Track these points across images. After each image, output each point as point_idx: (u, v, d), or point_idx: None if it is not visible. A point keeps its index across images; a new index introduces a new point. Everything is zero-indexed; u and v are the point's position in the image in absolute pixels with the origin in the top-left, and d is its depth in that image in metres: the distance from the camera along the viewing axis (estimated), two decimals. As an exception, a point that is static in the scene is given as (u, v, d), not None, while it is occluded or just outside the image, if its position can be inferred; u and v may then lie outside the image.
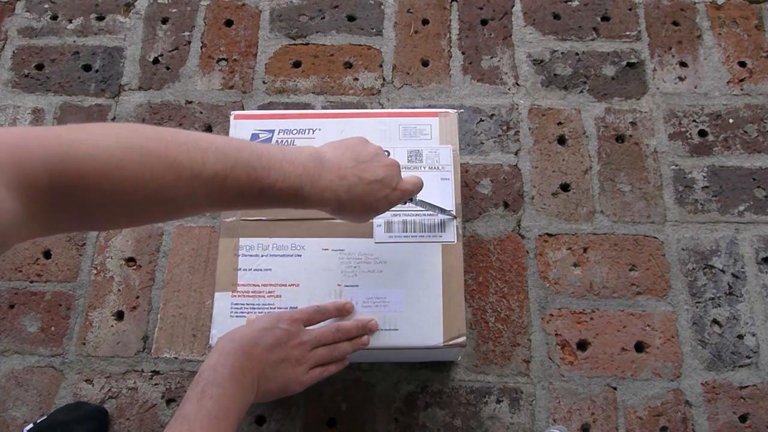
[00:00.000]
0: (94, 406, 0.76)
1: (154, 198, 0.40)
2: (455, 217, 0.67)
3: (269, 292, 0.65)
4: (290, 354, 0.56)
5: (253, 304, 0.65)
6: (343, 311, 0.64)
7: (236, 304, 0.65)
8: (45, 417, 0.73)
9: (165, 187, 0.40)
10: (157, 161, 0.39)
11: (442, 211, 0.66)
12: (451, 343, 0.63)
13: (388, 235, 0.67)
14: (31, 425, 0.72)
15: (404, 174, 0.59)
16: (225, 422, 0.48)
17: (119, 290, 0.83)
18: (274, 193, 0.47)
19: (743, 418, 0.75)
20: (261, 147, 0.47)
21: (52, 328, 0.81)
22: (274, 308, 0.64)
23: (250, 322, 0.58)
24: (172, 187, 0.40)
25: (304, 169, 0.49)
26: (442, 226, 0.67)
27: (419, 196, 0.62)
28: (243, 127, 0.72)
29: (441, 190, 0.69)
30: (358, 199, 0.52)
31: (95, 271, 0.84)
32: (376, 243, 0.67)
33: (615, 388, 0.77)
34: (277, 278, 0.66)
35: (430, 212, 0.67)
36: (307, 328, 0.60)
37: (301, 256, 0.66)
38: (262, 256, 0.67)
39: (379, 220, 0.67)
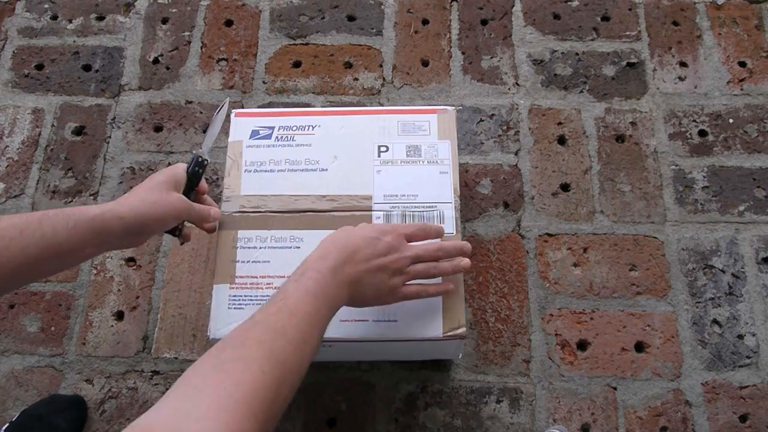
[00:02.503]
0: (69, 396, 0.76)
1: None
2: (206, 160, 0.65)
3: (267, 284, 0.65)
4: (389, 265, 0.57)
5: (251, 296, 0.65)
6: (442, 233, 0.64)
7: (234, 296, 0.65)
8: (18, 415, 0.73)
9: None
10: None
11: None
12: (450, 334, 0.63)
13: None
14: (6, 425, 0.71)
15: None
16: (320, 301, 0.50)
17: (119, 290, 0.83)
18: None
19: (743, 418, 0.75)
20: None
21: (52, 328, 0.81)
22: None
23: (356, 228, 0.59)
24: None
25: None
26: (441, 218, 0.67)
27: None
28: (243, 124, 0.72)
29: (440, 184, 0.69)
30: None
31: (95, 271, 0.84)
32: None
33: (615, 388, 0.77)
34: (275, 270, 0.66)
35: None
36: (409, 243, 0.60)
37: (299, 248, 0.66)
38: (260, 248, 0.67)
39: (377, 213, 0.67)
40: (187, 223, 0.63)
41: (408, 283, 0.59)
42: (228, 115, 0.69)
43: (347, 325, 0.63)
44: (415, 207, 0.68)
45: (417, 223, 0.65)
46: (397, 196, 0.69)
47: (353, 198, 0.68)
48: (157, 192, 0.57)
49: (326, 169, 0.70)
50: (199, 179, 0.63)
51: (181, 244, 0.66)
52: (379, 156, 0.71)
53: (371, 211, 0.68)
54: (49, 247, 0.49)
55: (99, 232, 0.52)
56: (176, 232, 0.62)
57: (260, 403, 0.39)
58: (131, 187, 0.87)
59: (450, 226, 0.67)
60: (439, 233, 0.64)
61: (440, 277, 0.63)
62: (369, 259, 0.56)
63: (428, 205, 0.68)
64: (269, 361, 0.42)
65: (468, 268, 0.63)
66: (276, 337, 0.45)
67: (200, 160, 0.63)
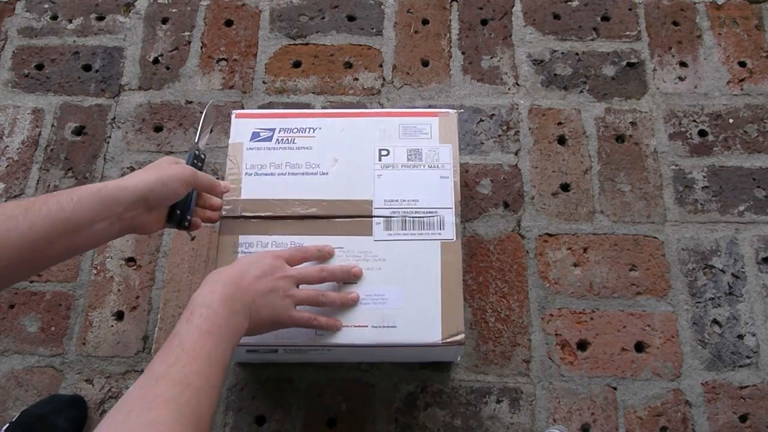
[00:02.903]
0: (69, 396, 0.76)
1: None
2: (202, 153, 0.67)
3: None
4: (277, 284, 0.57)
5: None
6: (323, 253, 0.65)
7: None
8: (18, 415, 0.73)
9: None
10: None
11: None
12: (449, 340, 0.63)
13: (387, 233, 0.67)
14: (6, 425, 0.71)
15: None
16: (216, 337, 0.48)
17: (119, 290, 0.83)
18: None
19: (743, 418, 0.75)
20: None
21: (52, 328, 0.81)
22: None
23: (236, 260, 0.60)
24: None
25: None
26: (441, 223, 0.67)
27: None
28: (244, 125, 0.72)
29: (440, 189, 0.69)
30: None
31: (95, 271, 0.84)
32: (375, 241, 0.67)
33: (615, 388, 0.77)
34: None
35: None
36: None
37: None
38: None
39: (378, 218, 0.67)
40: (196, 210, 0.64)
41: (299, 308, 0.60)
42: (209, 114, 0.70)
43: (346, 330, 0.63)
44: (416, 212, 0.68)
45: (293, 247, 0.65)
46: (397, 201, 0.68)
47: (354, 203, 0.68)
48: (160, 165, 0.58)
49: (327, 173, 0.70)
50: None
51: (192, 238, 0.66)
52: (379, 160, 0.71)
53: (371, 216, 0.67)
54: (57, 223, 0.48)
55: (105, 204, 0.51)
56: (184, 222, 0.62)
57: None
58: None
59: (450, 231, 0.67)
60: (320, 252, 0.64)
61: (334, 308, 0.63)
62: (257, 279, 0.56)
63: (429, 210, 0.68)
64: (180, 419, 0.41)
65: (356, 300, 0.63)
66: (182, 391, 0.43)
67: (197, 153, 0.64)
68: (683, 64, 0.94)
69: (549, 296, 0.81)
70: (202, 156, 0.65)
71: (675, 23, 0.96)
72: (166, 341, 0.47)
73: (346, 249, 0.66)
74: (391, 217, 0.67)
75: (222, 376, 0.47)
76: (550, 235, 0.84)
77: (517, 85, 0.93)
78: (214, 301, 0.51)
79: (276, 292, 0.57)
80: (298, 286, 0.60)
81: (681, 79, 0.93)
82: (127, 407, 0.41)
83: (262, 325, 0.56)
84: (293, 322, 0.59)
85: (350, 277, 0.64)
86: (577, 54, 0.95)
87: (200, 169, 0.64)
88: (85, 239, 0.51)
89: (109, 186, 0.52)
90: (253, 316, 0.54)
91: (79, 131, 0.92)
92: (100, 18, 1.00)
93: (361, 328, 0.63)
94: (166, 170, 0.57)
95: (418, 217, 0.68)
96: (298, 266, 0.62)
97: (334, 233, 0.67)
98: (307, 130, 0.72)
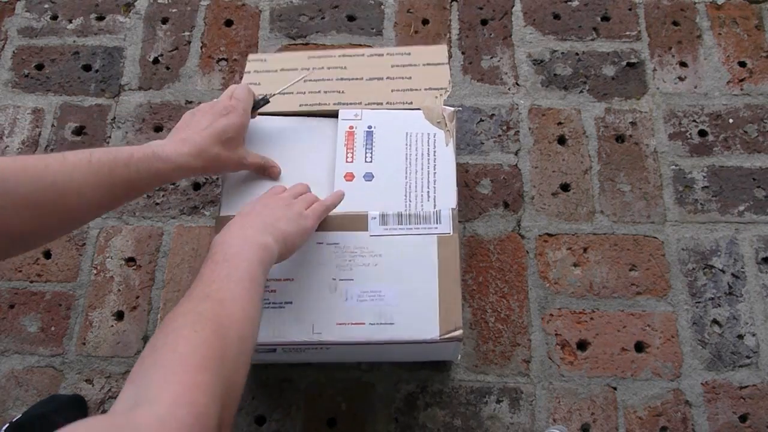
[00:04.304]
0: (69, 396, 0.76)
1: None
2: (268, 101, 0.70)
3: (268, 287, 0.65)
4: (281, 202, 0.60)
5: None
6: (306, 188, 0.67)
7: None
8: (19, 416, 0.73)
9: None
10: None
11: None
12: (447, 336, 0.62)
13: (383, 228, 0.66)
14: (6, 425, 0.71)
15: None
16: (235, 259, 0.49)
17: (119, 290, 0.83)
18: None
19: (743, 418, 0.75)
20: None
21: (52, 328, 0.81)
22: (269, 303, 0.64)
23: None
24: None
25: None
26: (437, 217, 0.67)
27: None
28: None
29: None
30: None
31: (95, 271, 0.84)
32: (370, 236, 0.66)
33: (615, 388, 0.77)
34: (271, 273, 0.65)
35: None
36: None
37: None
38: None
39: (374, 213, 0.67)
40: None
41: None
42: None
43: (343, 328, 0.63)
44: (413, 207, 0.68)
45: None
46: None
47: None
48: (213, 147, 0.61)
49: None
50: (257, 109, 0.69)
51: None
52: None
53: (367, 212, 0.67)
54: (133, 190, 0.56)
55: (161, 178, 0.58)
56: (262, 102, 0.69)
57: (204, 357, 0.39)
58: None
59: (447, 225, 0.67)
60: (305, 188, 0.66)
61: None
62: (264, 207, 0.58)
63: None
64: (198, 322, 0.42)
65: (341, 195, 0.66)
66: (200, 302, 0.44)
67: (264, 96, 0.70)
68: (683, 64, 0.94)
69: (549, 296, 0.81)
70: (268, 101, 0.69)
71: (675, 23, 0.96)
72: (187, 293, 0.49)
73: (341, 245, 0.66)
74: (386, 212, 0.67)
75: (250, 292, 0.47)
76: (550, 235, 0.84)
77: (517, 85, 0.93)
78: (226, 233, 0.53)
79: (285, 209, 0.58)
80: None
81: (681, 79, 0.93)
82: (151, 340, 0.42)
83: (289, 239, 0.56)
84: (314, 216, 0.61)
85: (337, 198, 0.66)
86: (577, 54, 0.95)
87: (260, 106, 0.69)
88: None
89: (164, 164, 0.57)
90: (276, 234, 0.55)
91: (79, 131, 0.92)
92: (100, 18, 1.00)
93: (359, 326, 0.63)
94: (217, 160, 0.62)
95: (415, 211, 0.67)
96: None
97: (329, 229, 0.66)
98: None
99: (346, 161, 0.70)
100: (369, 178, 0.69)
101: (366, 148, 0.70)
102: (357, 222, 0.67)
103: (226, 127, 0.62)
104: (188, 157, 0.58)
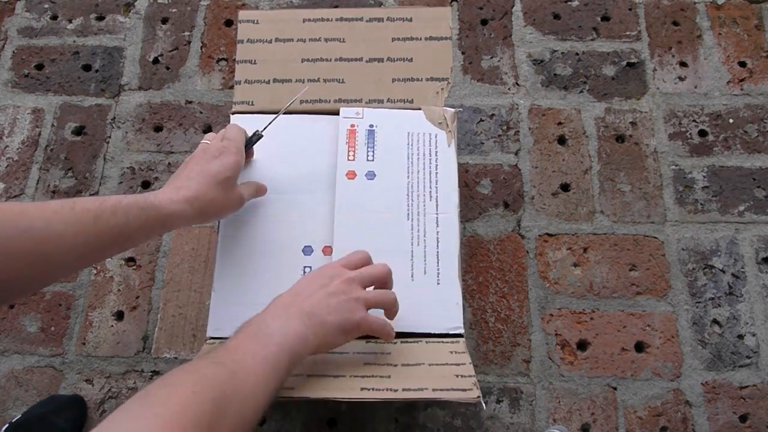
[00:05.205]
0: (69, 396, 0.76)
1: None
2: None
3: None
4: (339, 287, 0.52)
5: None
6: (368, 259, 0.59)
7: None
8: (19, 416, 0.73)
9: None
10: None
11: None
12: (446, 332, 0.62)
13: None
14: (6, 425, 0.71)
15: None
16: (264, 339, 0.47)
17: (119, 290, 0.83)
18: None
19: (743, 418, 0.75)
20: None
21: (52, 328, 0.81)
22: None
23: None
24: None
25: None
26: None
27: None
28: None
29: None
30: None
31: (95, 271, 0.84)
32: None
33: (615, 388, 0.77)
34: None
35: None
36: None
37: None
38: None
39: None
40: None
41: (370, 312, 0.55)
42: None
43: None
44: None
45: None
46: None
47: None
48: (217, 191, 0.58)
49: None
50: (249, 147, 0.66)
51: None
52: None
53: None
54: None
55: (165, 227, 0.55)
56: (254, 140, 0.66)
57: (191, 421, 0.36)
58: (131, 188, 0.87)
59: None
60: (366, 259, 0.58)
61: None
62: (316, 290, 0.52)
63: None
64: (201, 382, 0.39)
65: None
66: (209, 365, 0.42)
67: (256, 131, 0.66)
68: (683, 64, 0.94)
69: (549, 296, 0.81)
70: (261, 136, 0.66)
71: (675, 23, 0.96)
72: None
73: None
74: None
75: (267, 377, 0.44)
76: (550, 235, 0.84)
77: (517, 85, 0.93)
78: (268, 311, 0.50)
79: (338, 296, 0.52)
80: (364, 289, 0.55)
81: (681, 79, 0.93)
82: (148, 386, 0.40)
83: (330, 333, 0.51)
84: (368, 327, 0.53)
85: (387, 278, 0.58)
86: (577, 54, 0.95)
87: (253, 143, 0.66)
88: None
89: (158, 212, 0.53)
90: (316, 327, 0.50)
91: (79, 131, 0.92)
92: (100, 18, 1.00)
93: None
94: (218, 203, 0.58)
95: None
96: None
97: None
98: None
99: (348, 159, 0.69)
100: (371, 176, 0.69)
101: (368, 147, 0.70)
102: None
103: (221, 168, 0.58)
104: (183, 204, 0.55)
